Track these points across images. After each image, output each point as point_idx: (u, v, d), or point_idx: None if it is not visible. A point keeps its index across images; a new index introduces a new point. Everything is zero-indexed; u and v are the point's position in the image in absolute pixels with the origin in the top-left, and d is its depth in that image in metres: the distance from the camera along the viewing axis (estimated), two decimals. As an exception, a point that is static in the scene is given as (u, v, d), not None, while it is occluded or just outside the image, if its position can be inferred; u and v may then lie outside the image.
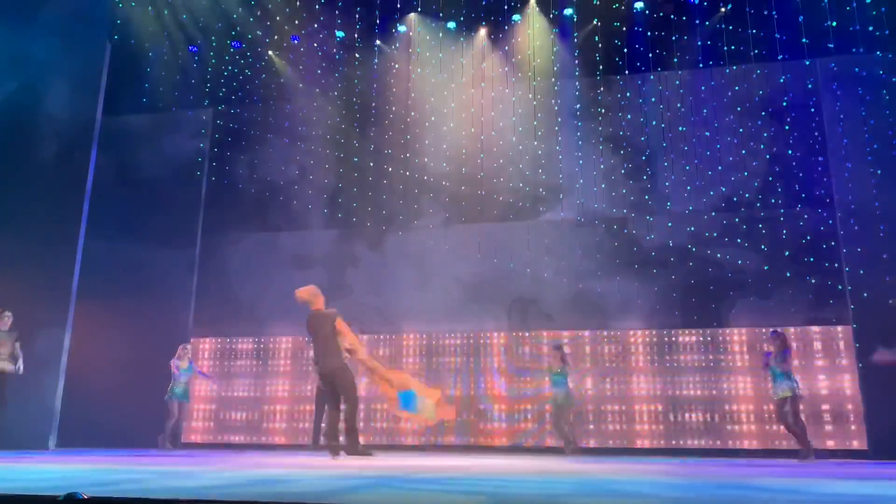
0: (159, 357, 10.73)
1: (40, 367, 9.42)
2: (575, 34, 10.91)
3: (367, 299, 11.03)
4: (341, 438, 6.84)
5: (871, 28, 9.58)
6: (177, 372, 9.91)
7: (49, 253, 9.77)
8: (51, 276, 9.72)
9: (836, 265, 9.77)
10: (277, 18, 10.98)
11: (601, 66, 10.85)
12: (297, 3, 10.75)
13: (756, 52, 10.26)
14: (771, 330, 8.77)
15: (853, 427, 9.25)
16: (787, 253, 10.02)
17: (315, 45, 11.32)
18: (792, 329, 9.63)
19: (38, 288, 9.57)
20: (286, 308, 11.17)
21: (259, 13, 11.02)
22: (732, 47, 10.36)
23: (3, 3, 10.50)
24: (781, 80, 10.44)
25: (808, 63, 10.33)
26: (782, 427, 8.42)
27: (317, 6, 10.78)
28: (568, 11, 10.84)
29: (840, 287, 9.71)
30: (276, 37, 11.32)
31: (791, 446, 8.72)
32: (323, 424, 8.48)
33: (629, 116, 10.92)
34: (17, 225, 9.83)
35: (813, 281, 9.87)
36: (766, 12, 10.11)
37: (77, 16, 10.37)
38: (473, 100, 11.32)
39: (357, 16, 10.92)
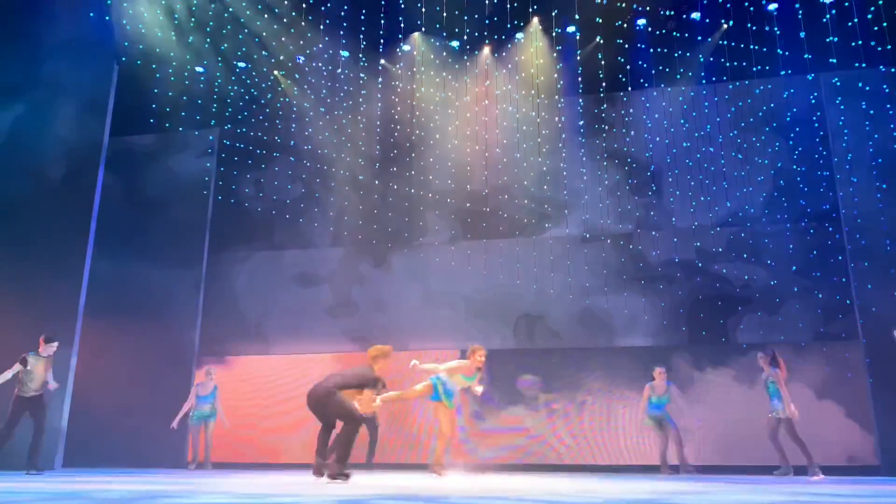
0: (166, 376, 10.75)
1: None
2: (578, 51, 10.98)
3: (372, 316, 11.03)
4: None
5: (873, 43, 9.62)
6: (194, 400, 9.83)
7: (56, 272, 9.81)
8: (58, 296, 9.74)
9: (844, 280, 9.73)
10: (283, 39, 11.09)
11: (604, 83, 10.90)
12: (303, 24, 10.86)
13: (758, 67, 10.31)
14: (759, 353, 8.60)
15: (864, 443, 9.15)
16: (793, 268, 9.99)
17: (320, 64, 11.42)
18: (801, 344, 9.59)
19: (45, 307, 9.60)
20: (293, 326, 11.23)
21: (264, 34, 11.13)
22: (735, 63, 10.41)
23: (12, 27, 10.65)
24: (785, 96, 10.48)
25: (810, 78, 10.37)
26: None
27: (321, 26, 10.89)
28: (570, 29, 10.92)
29: (848, 302, 9.66)
30: (281, 57, 11.42)
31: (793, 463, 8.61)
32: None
33: (633, 133, 10.96)
34: (25, 245, 9.88)
35: (820, 296, 9.83)
36: (767, 28, 10.18)
37: (85, 38, 10.50)
38: (477, 117, 11.38)
39: (361, 35, 11.02)
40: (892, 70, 9.93)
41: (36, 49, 10.50)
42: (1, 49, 10.57)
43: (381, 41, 11.05)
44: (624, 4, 10.42)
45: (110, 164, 10.89)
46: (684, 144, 10.71)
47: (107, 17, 10.61)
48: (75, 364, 9.80)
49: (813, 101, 10.38)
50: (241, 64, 11.49)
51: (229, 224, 11.78)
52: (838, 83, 10.22)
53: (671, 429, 8.90)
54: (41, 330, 8.72)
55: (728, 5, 10.27)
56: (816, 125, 10.30)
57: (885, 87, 9.98)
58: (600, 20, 10.57)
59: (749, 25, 10.27)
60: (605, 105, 11.07)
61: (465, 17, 10.81)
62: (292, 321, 11.22)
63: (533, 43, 11.16)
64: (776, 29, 10.09)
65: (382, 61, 11.51)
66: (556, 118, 11.21)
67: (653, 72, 10.74)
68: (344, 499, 3.78)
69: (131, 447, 10.29)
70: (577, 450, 9.92)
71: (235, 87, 11.70)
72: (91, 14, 10.55)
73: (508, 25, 10.97)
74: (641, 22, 10.69)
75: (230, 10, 10.88)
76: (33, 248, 9.83)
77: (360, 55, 11.27)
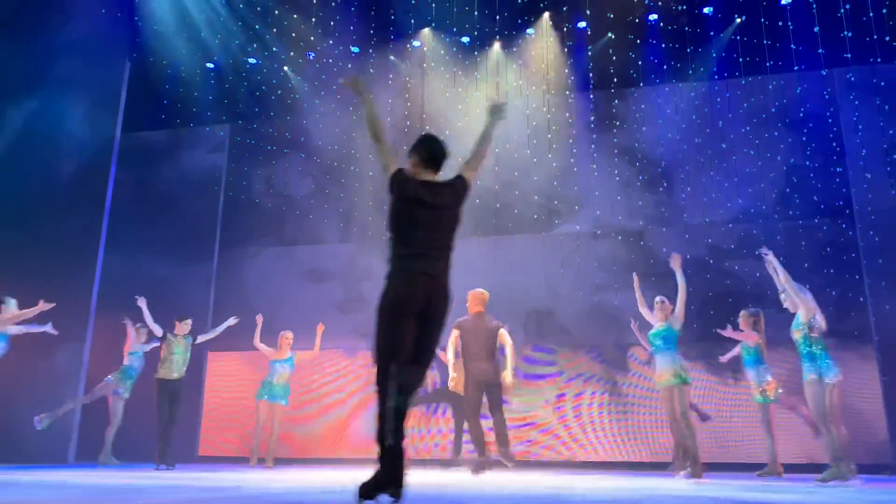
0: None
1: (60, 381, 9.53)
2: (589, 47, 10.94)
3: (382, 313, 11.03)
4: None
5: (887, 38, 9.52)
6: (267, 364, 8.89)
7: (69, 268, 9.90)
8: (71, 291, 9.83)
9: (857, 277, 9.65)
10: (293, 35, 11.12)
11: (616, 79, 10.86)
12: (313, 20, 10.88)
13: (771, 63, 10.22)
14: None
15: (877, 442, 9.08)
16: (805, 265, 9.90)
17: (330, 60, 11.44)
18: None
19: (58, 302, 9.67)
20: (303, 321, 11.24)
21: (275, 30, 11.17)
22: (748, 58, 10.33)
23: (26, 23, 10.73)
24: (798, 91, 10.38)
25: (824, 73, 10.26)
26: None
27: (332, 22, 10.90)
28: (581, 24, 10.87)
29: (861, 299, 9.59)
30: (291, 53, 11.46)
31: (808, 460, 8.58)
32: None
33: (644, 128, 10.89)
34: (38, 240, 9.97)
35: (833, 293, 9.74)
36: (780, 23, 10.09)
37: (97, 35, 10.57)
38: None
39: (372, 31, 11.03)
40: (908, 65, 9.83)
41: (48, 46, 10.58)
42: (14, 46, 10.65)
43: (392, 37, 11.05)
44: (636, -1, 10.39)
45: (122, 159, 10.96)
46: (696, 140, 10.64)
47: (118, 14, 10.67)
48: (88, 358, 9.90)
49: (826, 97, 10.27)
50: (252, 60, 11.52)
51: (240, 220, 11.83)
52: (852, 78, 10.11)
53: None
54: (54, 325, 8.80)
55: (741, 0, 10.20)
56: (830, 121, 10.20)
57: (900, 82, 9.88)
58: (611, 15, 10.52)
59: (762, 20, 10.19)
60: (616, 101, 11.00)
61: (476, 13, 10.79)
62: (302, 317, 11.23)
63: (544, 38, 11.12)
64: (789, 24, 10.00)
65: (392, 57, 11.51)
66: (567, 114, 11.17)
67: (664, 67, 10.67)
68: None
69: (144, 442, 10.36)
70: (588, 446, 9.90)
71: (246, 84, 11.75)
72: (103, 11, 10.62)
73: (519, 21, 10.94)
74: (653, 17, 10.64)
75: (240, 6, 10.92)
76: (46, 244, 9.92)
77: (371, 51, 11.28)
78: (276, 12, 10.94)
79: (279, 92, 11.90)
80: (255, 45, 11.31)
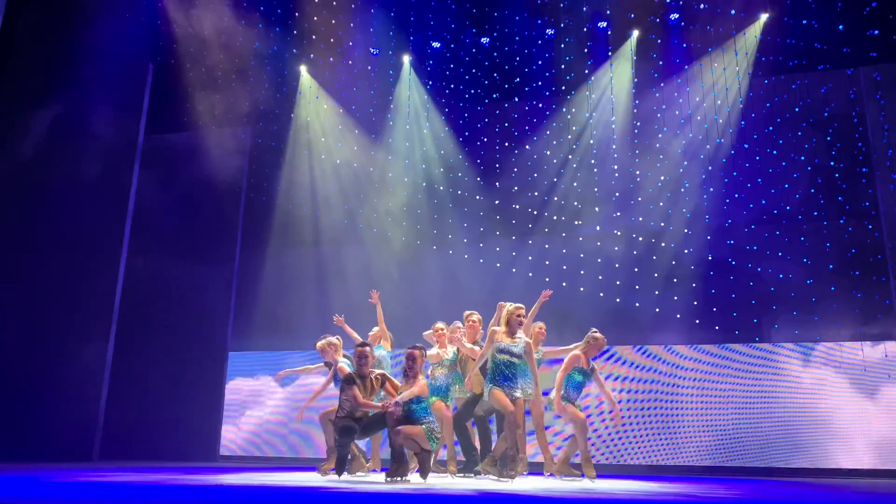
0: (198, 370, 10.92)
1: (84, 380, 9.66)
2: (609, 47, 10.87)
3: (401, 314, 11.03)
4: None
5: (916, 35, 9.36)
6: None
7: (93, 268, 10.04)
8: (95, 291, 9.98)
9: (884, 279, 9.49)
10: (314, 37, 11.18)
11: (636, 79, 10.77)
12: (333, 22, 10.93)
13: (795, 62, 10.08)
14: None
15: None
16: (831, 266, 9.76)
17: (350, 62, 11.49)
18: (839, 345, 9.38)
19: (82, 302, 9.84)
20: (321, 322, 11.29)
21: (296, 32, 11.24)
22: (771, 58, 10.20)
23: (51, 28, 10.90)
24: (822, 91, 10.22)
25: (850, 72, 10.10)
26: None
27: (352, 24, 10.95)
28: (602, 24, 10.81)
29: (888, 302, 9.42)
30: (312, 55, 11.53)
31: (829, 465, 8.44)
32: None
33: (665, 129, 10.80)
34: (62, 241, 10.13)
35: (859, 295, 9.59)
36: (805, 22, 9.95)
37: (121, 38, 10.72)
38: (507, 114, 11.33)
39: (391, 33, 11.06)
40: (936, 63, 9.65)
41: (73, 50, 10.74)
42: (39, 50, 10.83)
43: (411, 38, 11.06)
44: (657, -1, 10.32)
45: (145, 161, 11.10)
46: (718, 141, 10.53)
47: (142, 18, 10.80)
48: (111, 358, 10.03)
49: (852, 96, 10.11)
50: (273, 63, 11.60)
51: (261, 221, 11.90)
52: (879, 77, 9.94)
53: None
54: (78, 324, 8.92)
55: (765, -1, 10.10)
56: (855, 121, 10.04)
57: (928, 80, 9.69)
58: (632, 15, 10.45)
59: (786, 19, 10.06)
60: (637, 101, 10.92)
61: (496, 14, 10.77)
62: (321, 318, 11.28)
63: (563, 39, 11.07)
64: (814, 22, 9.86)
65: (411, 58, 11.53)
66: (587, 114, 11.11)
67: (686, 67, 10.57)
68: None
69: (165, 440, 10.49)
70: (609, 450, 9.84)
71: (267, 86, 11.84)
72: (127, 15, 10.76)
73: (539, 21, 10.90)
74: (674, 16, 10.55)
75: (261, 8, 11.00)
76: (71, 245, 10.08)
77: (390, 52, 11.31)
78: (297, 15, 11.01)
79: (300, 94, 11.98)
80: (275, 48, 11.39)
